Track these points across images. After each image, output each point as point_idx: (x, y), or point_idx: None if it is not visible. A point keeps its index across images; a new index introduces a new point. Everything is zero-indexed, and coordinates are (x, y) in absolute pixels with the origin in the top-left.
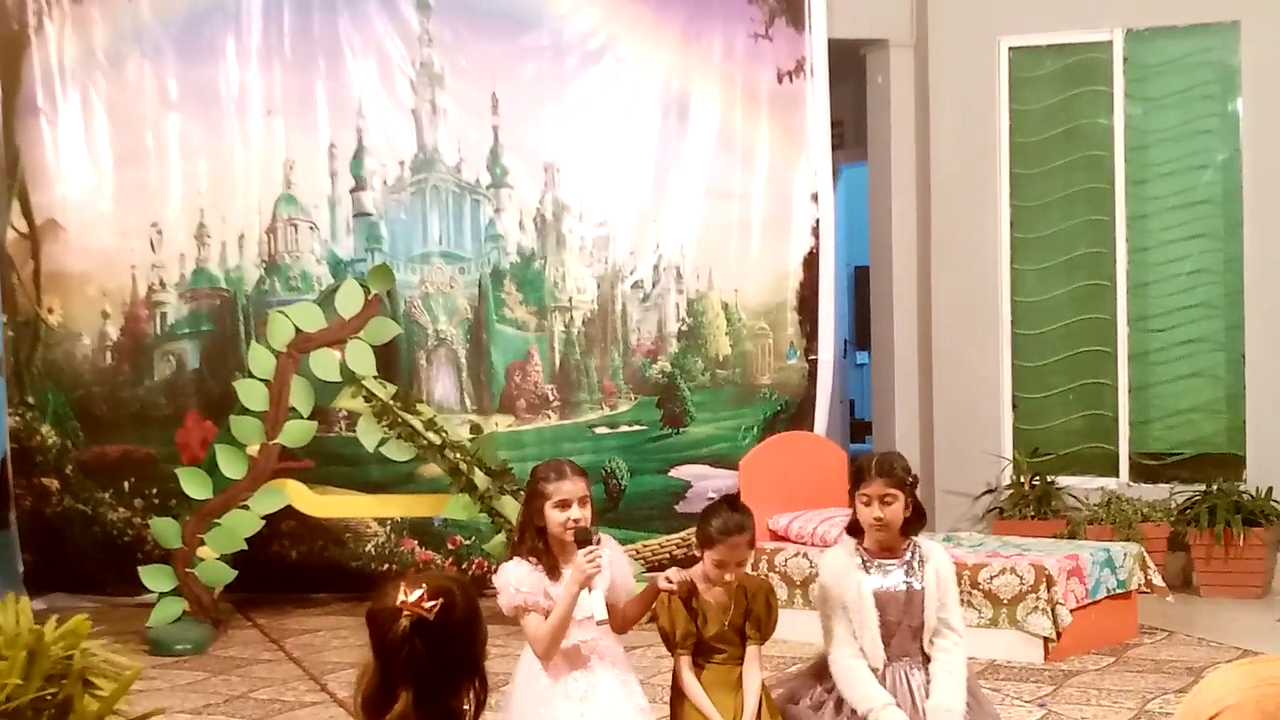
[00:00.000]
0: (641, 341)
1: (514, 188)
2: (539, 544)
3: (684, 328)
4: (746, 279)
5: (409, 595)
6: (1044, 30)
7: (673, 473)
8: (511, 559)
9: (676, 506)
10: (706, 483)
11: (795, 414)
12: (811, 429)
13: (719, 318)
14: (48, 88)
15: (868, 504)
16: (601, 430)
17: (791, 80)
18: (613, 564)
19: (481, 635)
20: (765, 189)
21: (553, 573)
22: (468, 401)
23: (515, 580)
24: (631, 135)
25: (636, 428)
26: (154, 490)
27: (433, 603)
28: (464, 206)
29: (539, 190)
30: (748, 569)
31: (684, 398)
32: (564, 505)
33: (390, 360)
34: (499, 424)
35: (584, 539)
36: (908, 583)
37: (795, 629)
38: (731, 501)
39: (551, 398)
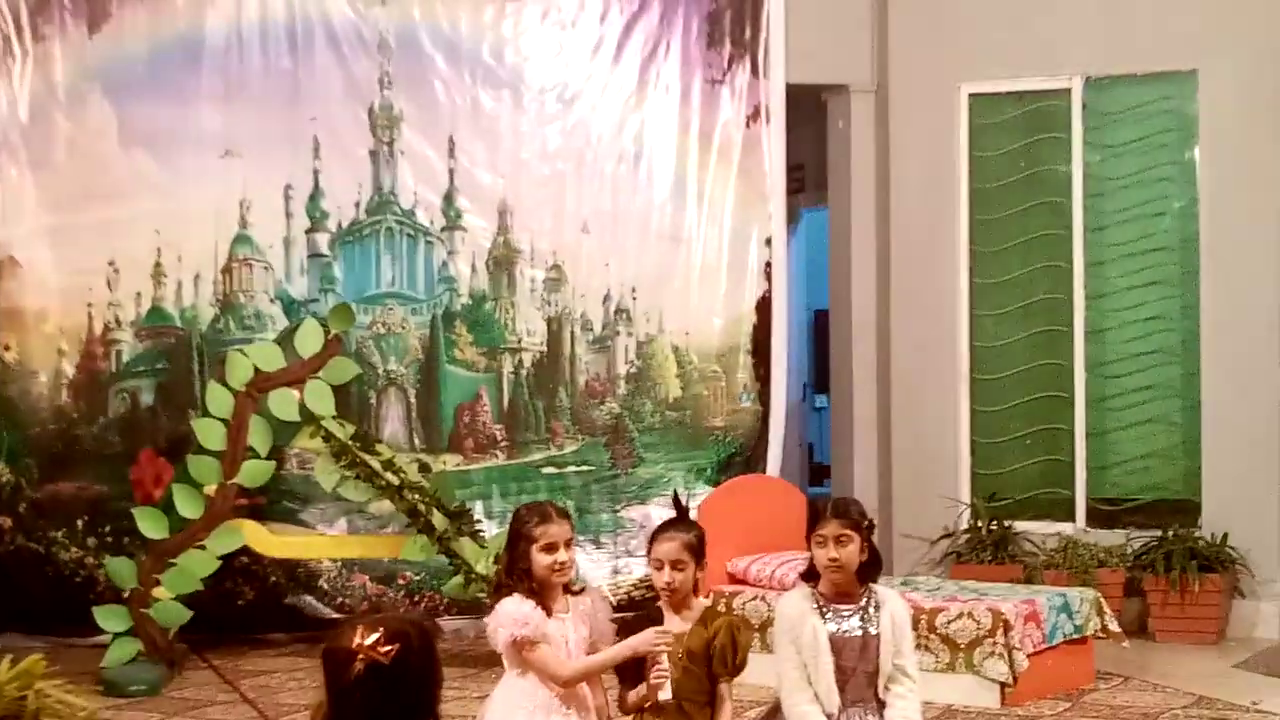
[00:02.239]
0: (590, 383)
1: (468, 230)
2: (521, 587)
3: (633, 370)
4: (698, 322)
5: (365, 638)
6: (1004, 77)
7: (621, 513)
8: (503, 597)
9: (628, 547)
10: (657, 524)
11: (750, 456)
12: (764, 471)
13: (669, 360)
14: (6, 124)
15: (823, 545)
16: (549, 470)
17: (749, 125)
18: (595, 615)
19: (438, 679)
20: (719, 233)
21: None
22: (416, 440)
23: (520, 614)
24: (585, 178)
25: (584, 468)
26: (107, 529)
27: (389, 647)
28: (418, 248)
29: (492, 233)
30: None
31: (632, 439)
32: (550, 548)
33: (341, 399)
34: (447, 463)
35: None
36: (863, 628)
37: (754, 673)
38: (677, 512)
39: (499, 438)
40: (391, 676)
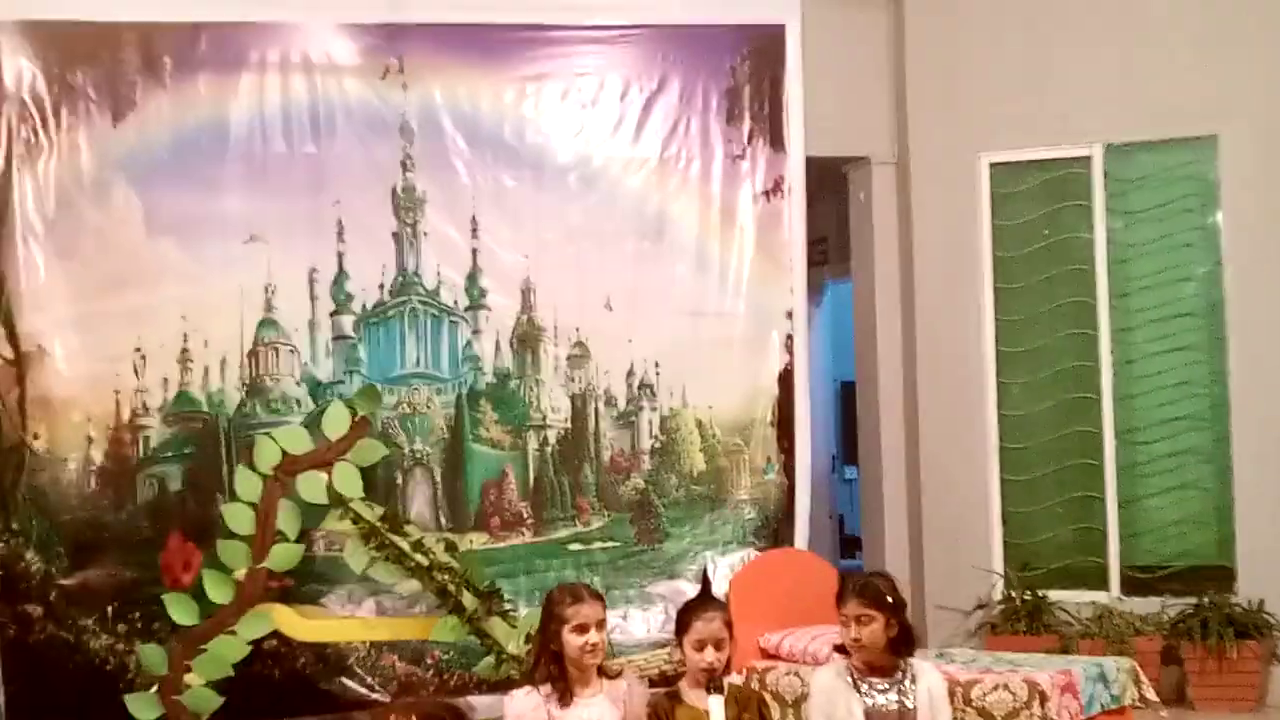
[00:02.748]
0: (615, 458)
1: (491, 309)
2: (553, 668)
3: (657, 444)
4: (720, 396)
5: None
6: (1024, 146)
7: (648, 588)
8: (524, 686)
9: (655, 623)
10: (683, 599)
11: (776, 529)
12: (792, 544)
13: (693, 434)
14: (34, 215)
15: (846, 624)
16: (575, 546)
17: (769, 199)
18: (631, 699)
19: None
20: (741, 307)
21: (565, 697)
22: (443, 519)
23: (517, 713)
24: (607, 256)
25: (611, 544)
26: (137, 615)
27: None
28: (442, 328)
29: (515, 312)
30: (738, 680)
31: (658, 514)
32: (582, 629)
33: (368, 480)
34: (474, 542)
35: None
36: (900, 702)
37: None
38: (703, 589)
39: (525, 515)
40: None
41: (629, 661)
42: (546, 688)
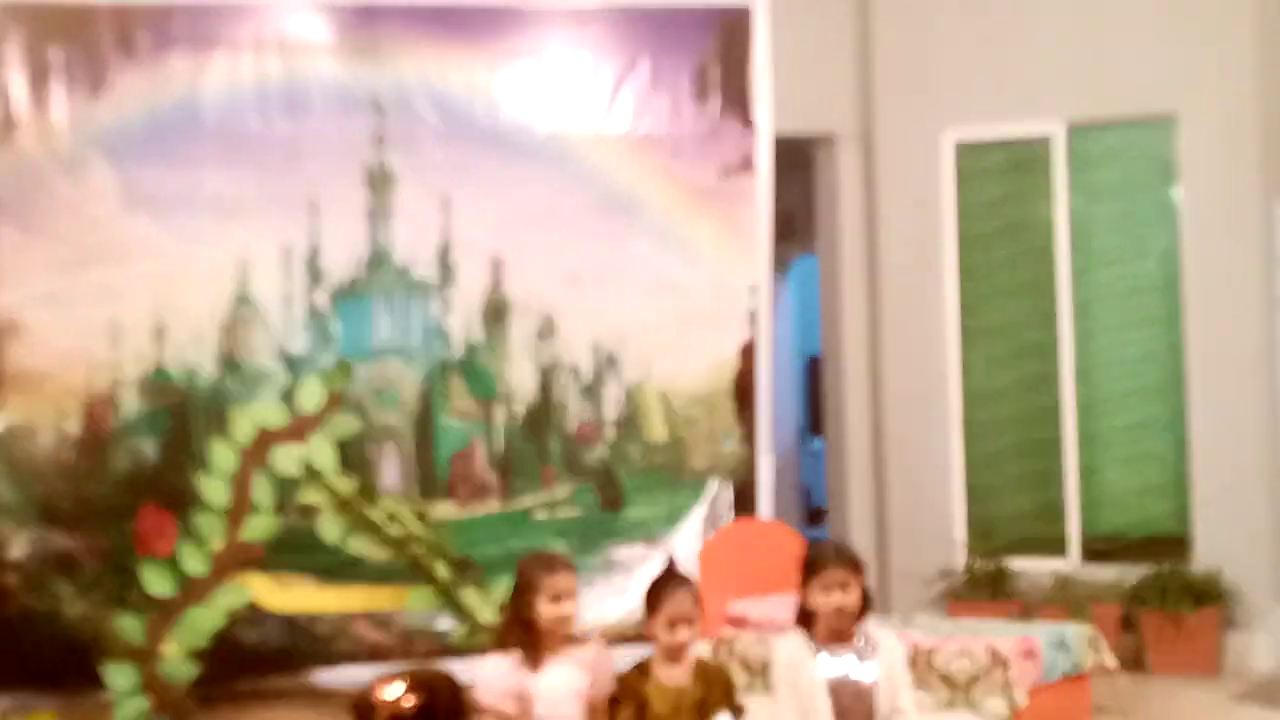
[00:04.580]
0: (580, 429)
1: (462, 284)
2: (525, 636)
3: (620, 415)
4: (683, 368)
5: (388, 692)
6: (988, 124)
7: (611, 554)
8: (493, 651)
9: (617, 587)
10: (645, 563)
11: (734, 498)
12: (754, 514)
13: (655, 405)
14: (10, 191)
15: (828, 591)
16: (541, 515)
17: (737, 176)
18: (597, 665)
19: None
20: (706, 282)
21: (534, 664)
22: (413, 490)
23: (487, 680)
24: (576, 231)
25: (575, 512)
26: (113, 583)
27: (412, 698)
28: (414, 303)
29: (485, 287)
30: (706, 653)
31: (620, 482)
32: (557, 599)
33: (340, 453)
34: (443, 512)
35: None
36: (860, 670)
37: (754, 717)
38: (669, 568)
39: (493, 485)
40: None
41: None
42: (517, 655)
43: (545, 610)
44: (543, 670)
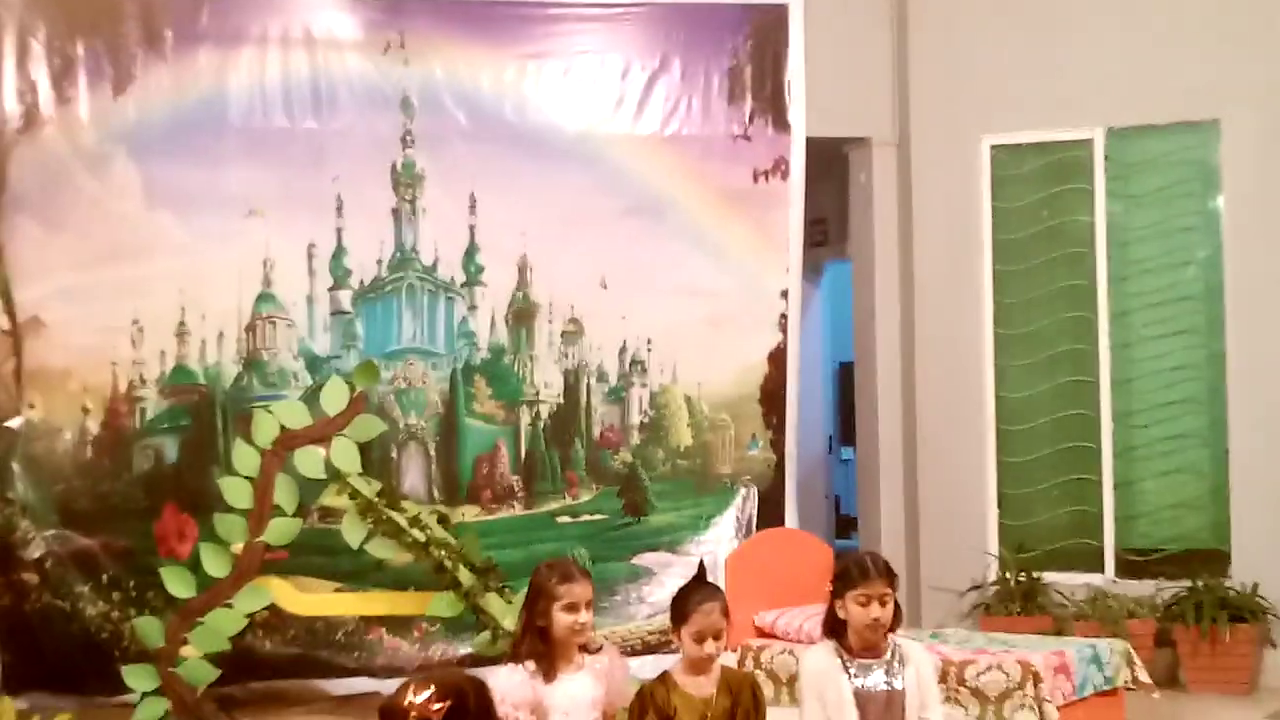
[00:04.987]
0: (605, 433)
1: (487, 285)
2: (540, 645)
3: (646, 420)
4: (710, 372)
5: (416, 696)
6: (1025, 128)
7: (634, 560)
8: (508, 662)
9: (640, 594)
10: (669, 570)
11: (760, 504)
12: (780, 522)
13: (681, 410)
14: (33, 186)
15: (866, 604)
16: (564, 519)
17: (768, 179)
18: (612, 674)
19: None
20: (737, 286)
21: (549, 674)
22: (435, 493)
23: (503, 691)
24: (605, 233)
25: (598, 516)
26: (132, 584)
27: (441, 704)
28: (439, 304)
29: (511, 288)
30: (733, 663)
31: (645, 487)
32: (572, 608)
33: (362, 453)
34: (465, 514)
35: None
36: (889, 682)
37: None
38: (699, 577)
39: (516, 488)
40: None
41: (611, 633)
42: (531, 664)
43: (560, 620)
44: (558, 680)
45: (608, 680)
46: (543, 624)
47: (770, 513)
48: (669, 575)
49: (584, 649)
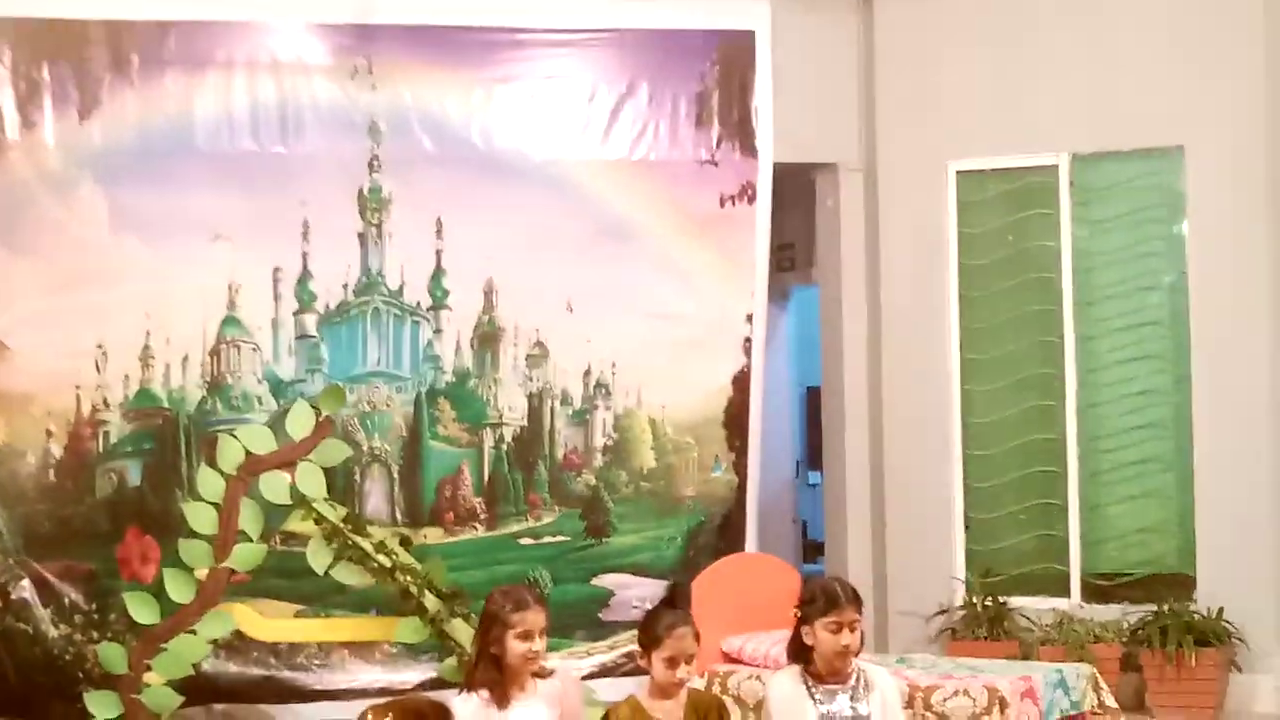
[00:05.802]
0: (568, 455)
1: (453, 309)
2: (493, 672)
3: (609, 442)
4: (675, 396)
5: None
6: (991, 154)
7: (595, 581)
8: (462, 690)
9: (600, 615)
10: (629, 592)
11: (720, 527)
12: (741, 546)
13: (645, 432)
14: None
15: (836, 631)
16: (526, 541)
17: (735, 204)
18: (566, 696)
19: None
20: (702, 310)
21: (502, 701)
22: (399, 515)
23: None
24: (571, 257)
25: (560, 538)
26: (94, 608)
27: None
28: (404, 328)
29: (477, 311)
30: (699, 685)
31: (607, 509)
32: (526, 636)
33: (326, 475)
34: (428, 536)
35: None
36: (854, 708)
37: None
38: (669, 602)
39: (479, 510)
40: None
41: (571, 653)
42: (484, 692)
43: (514, 648)
44: (511, 708)
45: (562, 704)
46: (496, 651)
47: (733, 536)
48: (631, 597)
49: (535, 673)
